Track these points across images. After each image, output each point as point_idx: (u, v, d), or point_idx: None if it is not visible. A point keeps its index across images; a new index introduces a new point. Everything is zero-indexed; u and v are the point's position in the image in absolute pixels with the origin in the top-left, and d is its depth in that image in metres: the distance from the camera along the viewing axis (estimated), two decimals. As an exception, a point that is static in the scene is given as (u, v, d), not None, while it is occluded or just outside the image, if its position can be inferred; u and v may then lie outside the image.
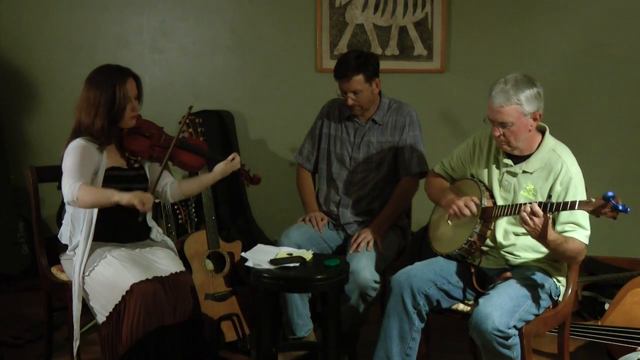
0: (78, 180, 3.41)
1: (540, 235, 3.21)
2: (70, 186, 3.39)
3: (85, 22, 5.73)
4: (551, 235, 3.22)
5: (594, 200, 3.04)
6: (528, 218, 3.16)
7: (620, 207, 2.96)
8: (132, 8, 5.69)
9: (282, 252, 3.77)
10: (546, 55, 5.32)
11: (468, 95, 5.30)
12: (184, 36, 5.71)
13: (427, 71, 5.44)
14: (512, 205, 3.35)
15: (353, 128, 4.28)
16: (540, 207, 3.15)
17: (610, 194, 2.97)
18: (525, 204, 3.22)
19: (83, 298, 3.57)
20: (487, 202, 3.48)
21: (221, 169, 3.79)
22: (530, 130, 3.42)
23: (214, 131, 5.40)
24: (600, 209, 3.01)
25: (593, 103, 5.34)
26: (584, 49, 5.29)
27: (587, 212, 3.07)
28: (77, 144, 3.52)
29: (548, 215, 3.17)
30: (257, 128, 5.74)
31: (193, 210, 4.90)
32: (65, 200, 3.46)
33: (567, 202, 3.14)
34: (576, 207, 3.08)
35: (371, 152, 4.23)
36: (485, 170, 3.61)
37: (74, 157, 3.48)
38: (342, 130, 4.30)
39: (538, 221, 3.16)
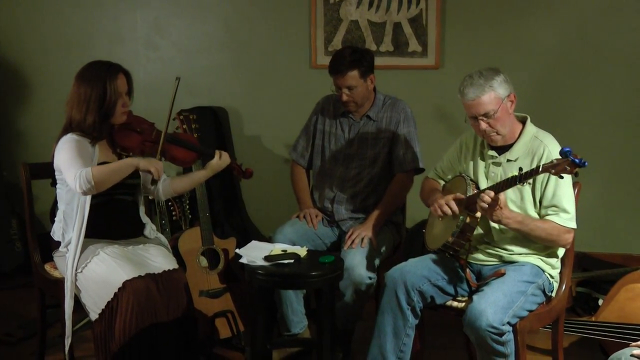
0: (84, 167, 3.38)
1: (495, 216, 3.31)
2: (79, 175, 3.34)
3: (79, 18, 5.73)
4: (507, 214, 3.31)
5: (555, 160, 3.07)
6: (485, 205, 3.25)
7: (577, 161, 3.00)
8: (126, 4, 5.69)
9: (277, 248, 3.78)
10: (540, 52, 5.33)
11: (462, 92, 5.30)
12: (178, 33, 5.71)
13: (422, 67, 5.44)
14: (494, 185, 3.35)
15: (347, 124, 4.27)
16: (514, 180, 3.19)
17: (567, 148, 3.02)
18: (486, 189, 3.30)
19: (76, 295, 3.56)
20: (472, 193, 3.49)
21: (212, 166, 3.80)
22: (510, 114, 3.47)
23: (208, 128, 5.39)
24: (559, 166, 3.04)
25: (586, 99, 5.34)
26: (578, 46, 5.29)
27: (551, 173, 3.09)
28: (69, 138, 3.52)
29: (522, 185, 3.23)
30: (251, 124, 5.74)
31: (187, 207, 4.89)
32: (79, 192, 3.39)
33: (533, 168, 3.16)
34: (540, 170, 3.10)
35: (365, 148, 4.23)
36: (472, 166, 3.64)
37: (69, 150, 3.47)
38: (336, 127, 4.30)
39: (493, 204, 3.24)
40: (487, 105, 3.39)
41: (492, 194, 3.24)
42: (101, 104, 3.53)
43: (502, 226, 3.48)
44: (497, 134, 3.45)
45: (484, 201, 3.25)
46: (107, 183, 3.44)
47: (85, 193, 3.42)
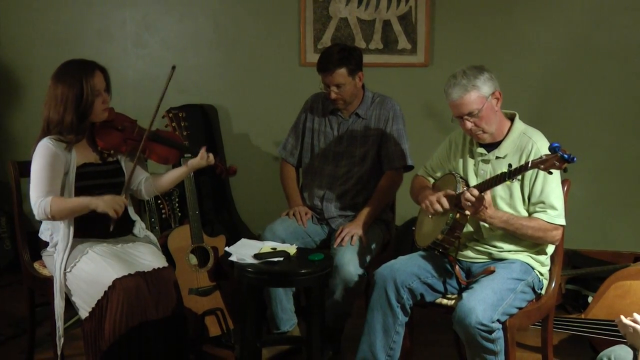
0: (47, 195, 3.42)
1: (480, 214, 3.34)
2: (40, 204, 3.41)
3: (68, 16, 5.71)
4: (492, 212, 3.35)
5: (544, 156, 3.09)
6: (469, 203, 3.28)
7: (566, 156, 3.01)
8: (115, 2, 5.67)
9: (266, 246, 3.77)
10: (530, 50, 5.33)
11: (452, 89, 5.30)
12: (167, 30, 5.70)
13: (411, 65, 5.44)
14: (483, 182, 3.36)
15: (337, 122, 4.27)
16: (504, 177, 3.21)
17: (555, 144, 3.03)
18: (470, 188, 3.33)
19: (66, 294, 3.55)
20: (462, 190, 3.49)
21: (192, 164, 3.77)
22: (497, 111, 3.48)
23: (198, 125, 5.38)
24: (548, 162, 3.06)
25: (577, 97, 5.35)
26: (568, 43, 5.29)
27: (540, 169, 3.11)
28: (43, 150, 3.49)
29: (511, 181, 3.24)
30: (240, 122, 5.73)
31: (177, 204, 4.89)
32: (36, 217, 3.47)
33: (522, 165, 3.19)
34: (529, 166, 3.12)
35: (355, 146, 4.23)
36: (461, 163, 3.65)
37: (40, 165, 3.47)
38: (325, 125, 4.30)
39: (477, 203, 3.27)
40: (471, 104, 3.40)
41: (475, 192, 3.26)
42: (79, 102, 3.49)
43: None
44: (484, 132, 3.46)
45: (467, 199, 3.26)
46: (64, 217, 3.50)
47: (40, 220, 3.49)
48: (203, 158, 3.76)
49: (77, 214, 3.49)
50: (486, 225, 3.50)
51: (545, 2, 5.28)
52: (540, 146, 3.42)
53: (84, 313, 3.49)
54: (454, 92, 3.41)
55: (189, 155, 3.85)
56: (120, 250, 3.60)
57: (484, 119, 3.42)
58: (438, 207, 3.48)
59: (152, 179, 3.83)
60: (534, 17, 5.30)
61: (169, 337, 3.54)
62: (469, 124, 3.44)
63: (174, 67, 3.68)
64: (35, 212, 3.44)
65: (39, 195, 3.43)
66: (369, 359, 3.56)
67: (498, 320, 3.27)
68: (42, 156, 3.48)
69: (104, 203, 3.41)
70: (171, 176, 3.83)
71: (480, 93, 3.39)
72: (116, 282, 3.40)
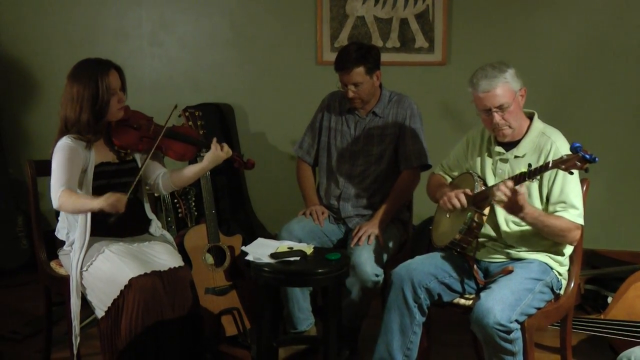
0: (64, 184, 3.42)
1: (514, 209, 3.25)
2: (54, 192, 3.43)
3: (84, 16, 5.73)
4: (527, 208, 3.25)
5: (565, 156, 3.06)
6: (503, 195, 3.21)
7: (587, 157, 2.99)
8: (131, 1, 5.69)
9: (283, 246, 3.76)
10: (548, 48, 5.30)
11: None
12: (184, 29, 5.70)
13: (428, 63, 5.42)
14: (503, 181, 3.32)
15: (353, 121, 4.25)
16: (523, 176, 3.18)
17: (576, 144, 3.00)
18: (501, 182, 3.27)
19: (82, 293, 3.55)
20: (480, 190, 3.47)
21: (210, 158, 3.76)
22: (521, 108, 3.46)
23: (214, 124, 5.38)
24: (569, 162, 3.04)
25: (595, 96, 5.32)
26: (585, 42, 5.26)
27: (561, 169, 3.08)
28: (63, 145, 3.50)
29: (531, 181, 3.21)
30: (257, 121, 5.73)
31: (193, 204, 4.89)
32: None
33: (543, 164, 3.16)
34: (550, 166, 3.09)
35: (372, 145, 4.21)
36: (479, 162, 3.62)
37: (59, 160, 3.48)
38: (342, 123, 4.28)
39: (513, 196, 3.20)
40: (501, 97, 3.36)
41: (510, 184, 3.19)
42: (95, 101, 3.50)
43: (509, 223, 3.46)
44: (509, 127, 3.42)
45: (502, 190, 3.19)
46: (68, 211, 3.53)
47: (56, 208, 3.49)
48: (217, 148, 3.74)
49: (79, 212, 3.50)
50: (505, 224, 3.49)
51: (563, 0, 5.25)
52: (560, 146, 3.39)
53: (100, 312, 3.50)
54: (484, 83, 3.36)
55: (206, 152, 3.85)
56: (137, 249, 3.60)
57: (513, 113, 3.39)
58: (456, 203, 3.45)
59: (169, 174, 3.83)
60: (551, 16, 5.27)
61: (185, 336, 3.54)
62: (497, 117, 3.39)
63: (175, 106, 3.66)
64: (52, 201, 3.46)
65: (57, 184, 3.44)
66: (386, 359, 3.55)
67: (516, 321, 3.24)
68: (62, 151, 3.49)
69: (101, 200, 3.35)
70: (190, 171, 3.83)
71: (510, 86, 3.37)
72: (132, 281, 3.40)
